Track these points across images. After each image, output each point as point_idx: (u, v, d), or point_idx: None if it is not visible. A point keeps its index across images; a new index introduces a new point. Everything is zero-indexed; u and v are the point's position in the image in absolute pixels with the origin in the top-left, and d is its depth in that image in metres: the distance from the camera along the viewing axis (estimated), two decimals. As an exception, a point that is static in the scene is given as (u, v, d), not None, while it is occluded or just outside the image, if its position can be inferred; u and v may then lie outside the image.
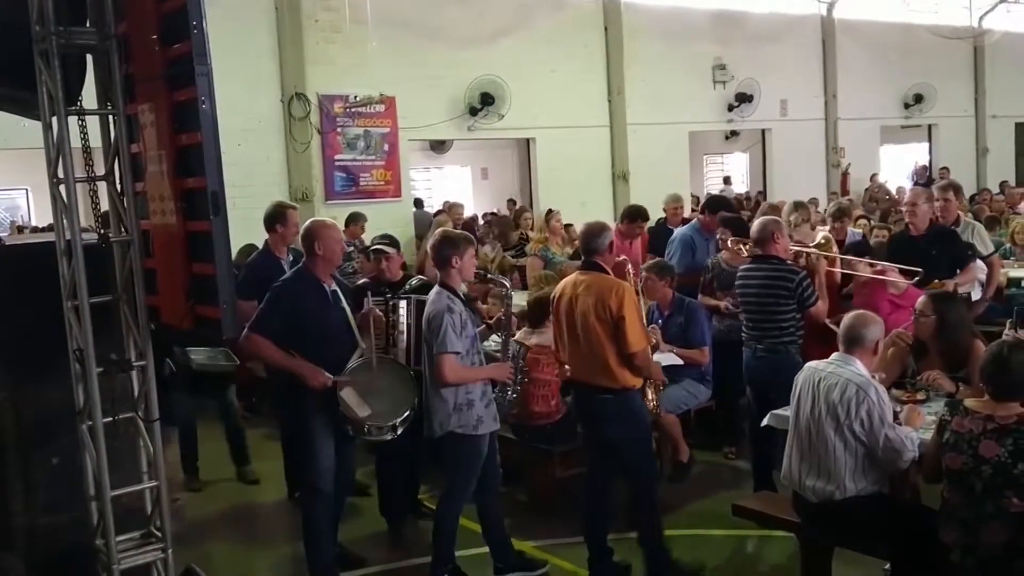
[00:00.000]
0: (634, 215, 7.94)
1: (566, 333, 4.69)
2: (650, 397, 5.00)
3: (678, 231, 7.67)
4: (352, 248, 9.50)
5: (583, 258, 4.77)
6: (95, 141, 3.90)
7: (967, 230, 6.44)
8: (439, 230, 5.43)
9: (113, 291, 3.83)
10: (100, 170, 3.80)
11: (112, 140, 3.79)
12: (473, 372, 4.55)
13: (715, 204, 7.54)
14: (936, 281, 5.68)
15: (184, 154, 3.61)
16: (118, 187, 3.83)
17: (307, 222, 4.89)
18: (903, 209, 6.82)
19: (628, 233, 7.80)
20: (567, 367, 4.95)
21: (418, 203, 15.55)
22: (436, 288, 4.62)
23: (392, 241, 6.21)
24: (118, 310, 3.83)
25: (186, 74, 3.46)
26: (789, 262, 5.47)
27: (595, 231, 4.73)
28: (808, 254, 5.83)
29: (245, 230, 9.71)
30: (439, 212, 11.94)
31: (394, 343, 5.09)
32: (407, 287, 5.53)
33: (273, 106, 11.02)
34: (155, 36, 3.59)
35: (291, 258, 5.83)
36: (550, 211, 9.71)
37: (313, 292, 4.66)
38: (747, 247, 5.97)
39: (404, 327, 5.08)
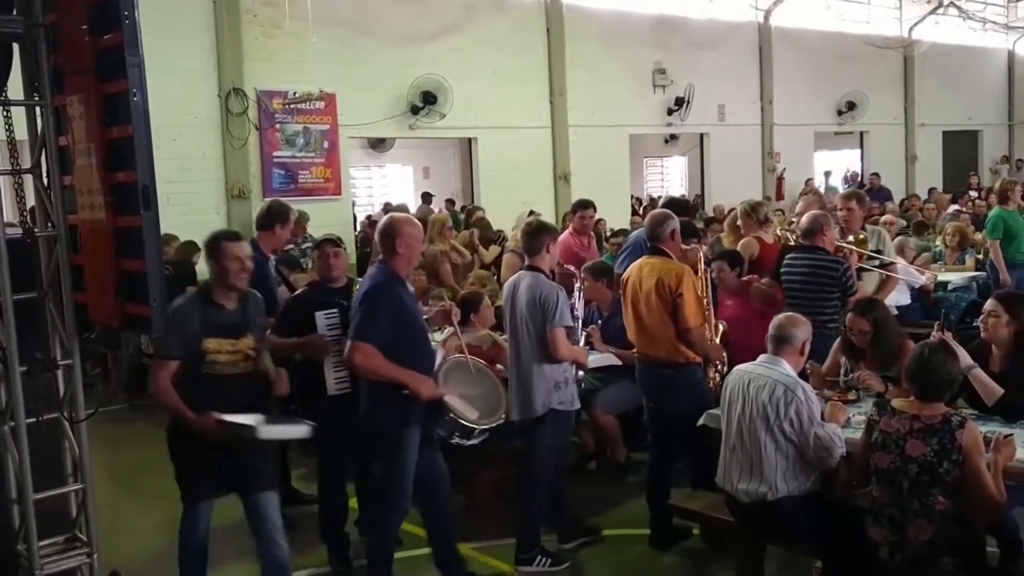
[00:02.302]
0: (584, 204, 7.85)
1: (631, 312, 5.16)
2: (711, 375, 5.30)
3: (633, 234, 7.65)
4: (292, 247, 9.37)
5: (648, 244, 5.25)
6: (21, 133, 3.79)
7: (873, 237, 6.45)
8: (532, 218, 5.55)
9: (39, 288, 3.71)
10: (26, 163, 3.68)
11: (39, 132, 3.68)
12: (576, 351, 4.91)
13: (672, 207, 7.46)
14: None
15: (114, 147, 3.51)
16: (44, 180, 3.72)
17: (386, 218, 4.51)
18: (794, 220, 6.74)
19: (581, 228, 7.69)
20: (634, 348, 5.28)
21: (426, 197, 15.43)
22: (529, 273, 4.82)
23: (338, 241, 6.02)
24: (44, 307, 3.71)
25: (117, 66, 3.38)
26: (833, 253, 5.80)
27: (658, 220, 5.24)
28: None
29: (182, 226, 9.60)
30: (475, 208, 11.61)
31: None
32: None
33: (210, 101, 10.81)
34: (85, 26, 3.49)
35: (274, 260, 5.69)
36: (530, 213, 9.48)
37: (406, 292, 4.39)
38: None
39: None
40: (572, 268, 5.70)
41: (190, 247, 9.26)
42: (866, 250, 6.30)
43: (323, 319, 4.73)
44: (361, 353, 4.12)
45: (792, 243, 6.19)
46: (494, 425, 4.62)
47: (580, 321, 5.35)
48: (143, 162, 3.38)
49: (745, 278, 6.18)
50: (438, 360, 4.71)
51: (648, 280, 5.05)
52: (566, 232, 7.75)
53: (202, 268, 9.28)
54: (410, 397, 4.20)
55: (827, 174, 19.36)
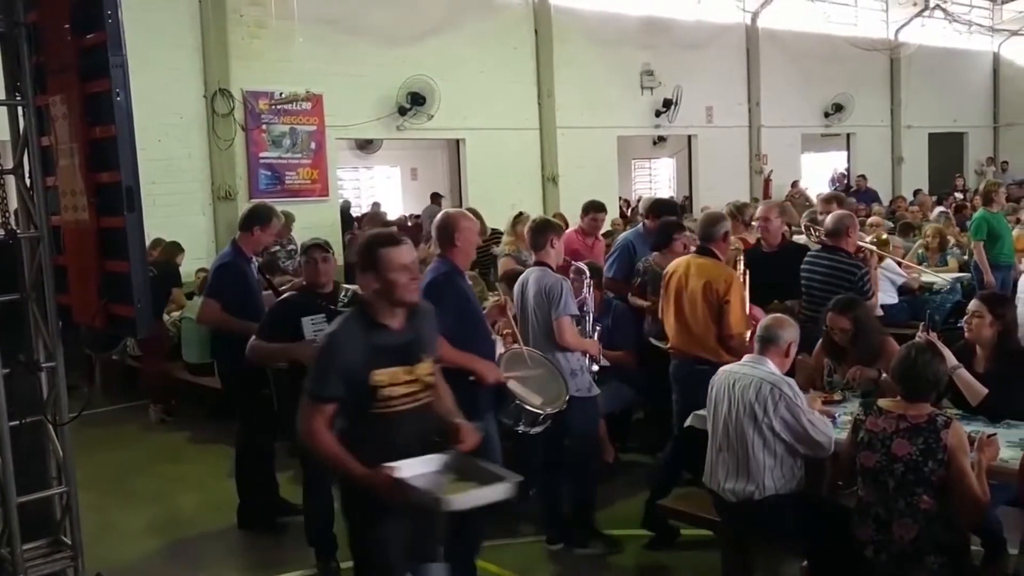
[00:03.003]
0: (597, 207, 7.71)
1: (672, 306, 5.30)
2: None
3: (621, 236, 7.61)
4: (278, 248, 9.34)
5: (699, 243, 5.36)
6: (3, 134, 3.76)
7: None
8: (536, 216, 5.65)
9: (21, 289, 3.69)
10: (8, 163, 3.66)
11: (21, 132, 3.65)
12: (584, 341, 5.01)
13: (658, 208, 7.33)
14: (776, 302, 5.65)
15: (97, 148, 3.49)
16: (27, 181, 3.69)
17: (443, 213, 4.54)
18: (755, 224, 6.60)
19: (590, 229, 7.60)
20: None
21: (435, 198, 15.38)
22: (536, 268, 5.00)
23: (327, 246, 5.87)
24: (27, 309, 3.69)
25: (100, 65, 3.36)
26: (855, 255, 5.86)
27: (712, 220, 5.40)
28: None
29: (167, 227, 9.57)
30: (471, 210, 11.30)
31: None
32: (343, 300, 5.12)
33: (196, 101, 10.75)
34: (67, 25, 3.47)
35: (256, 263, 5.65)
36: (519, 215, 9.31)
37: (466, 284, 4.49)
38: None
39: None
40: (583, 265, 5.69)
41: (175, 248, 9.23)
42: (888, 252, 6.32)
43: (310, 324, 4.67)
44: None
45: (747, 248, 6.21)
46: (558, 410, 4.65)
47: (591, 316, 5.37)
48: (127, 163, 3.36)
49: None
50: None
51: (696, 280, 5.18)
52: (571, 230, 7.68)
53: (187, 270, 9.33)
54: (476, 385, 4.25)
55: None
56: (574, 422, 4.88)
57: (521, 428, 4.54)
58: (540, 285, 4.92)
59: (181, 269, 9.30)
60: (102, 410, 8.21)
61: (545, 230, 5.11)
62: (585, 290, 5.35)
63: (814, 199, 16.49)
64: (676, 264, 5.46)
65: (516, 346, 4.85)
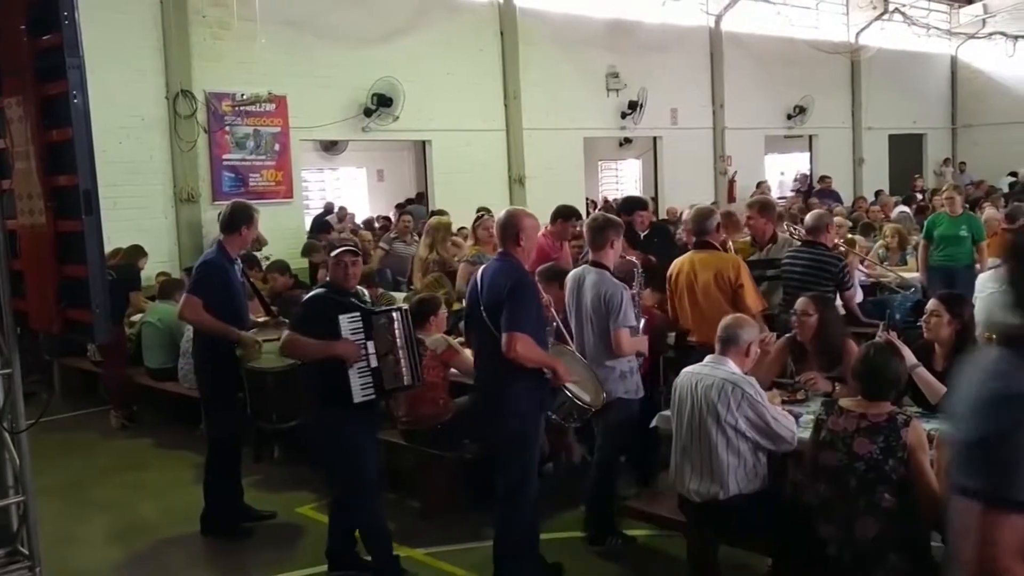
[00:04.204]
0: (568, 214, 7.53)
1: (686, 302, 5.54)
2: None
3: None
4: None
5: (695, 239, 5.56)
6: (-44, 135, 3.68)
7: (784, 247, 6.49)
8: (597, 213, 5.57)
9: (-25, 295, 3.61)
10: (-39, 166, 3.59)
11: (-25, 134, 3.58)
12: (637, 343, 5.00)
13: (630, 205, 7.47)
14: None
15: (55, 150, 3.43)
16: (-19, 184, 3.62)
17: (506, 212, 4.53)
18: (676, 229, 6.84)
19: (560, 234, 7.46)
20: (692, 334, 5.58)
21: (420, 198, 15.25)
22: (593, 269, 4.94)
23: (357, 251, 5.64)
24: (-19, 315, 3.61)
25: (57, 67, 3.30)
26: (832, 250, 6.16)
27: (704, 215, 5.60)
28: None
29: (129, 230, 9.44)
30: (436, 212, 11.05)
31: (396, 359, 4.59)
32: (369, 302, 5.10)
33: (157, 103, 10.60)
34: (23, 26, 3.41)
35: (240, 265, 5.57)
36: (479, 217, 8.97)
37: (534, 284, 4.57)
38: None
39: (402, 341, 4.62)
40: (634, 259, 5.71)
41: (137, 251, 9.09)
42: (855, 251, 6.50)
43: (347, 323, 4.51)
44: (523, 343, 4.18)
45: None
46: (599, 407, 4.76)
47: (638, 311, 5.30)
48: (84, 166, 3.31)
49: None
50: None
51: (705, 274, 5.44)
52: (541, 233, 7.60)
53: (148, 274, 9.20)
54: (545, 383, 4.38)
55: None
56: (613, 423, 4.94)
57: (571, 423, 4.74)
58: (599, 291, 4.85)
59: (143, 273, 9.17)
60: (62, 416, 8.07)
61: (605, 228, 4.99)
62: (636, 285, 5.32)
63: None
64: (680, 263, 5.67)
65: (557, 344, 4.96)
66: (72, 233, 3.41)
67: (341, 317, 4.51)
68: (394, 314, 4.67)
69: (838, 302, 5.90)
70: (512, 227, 4.37)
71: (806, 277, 5.94)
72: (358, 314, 4.56)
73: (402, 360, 4.61)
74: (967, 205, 10.55)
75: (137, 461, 7.07)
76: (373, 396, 4.56)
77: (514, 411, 4.37)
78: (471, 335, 4.71)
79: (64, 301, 3.49)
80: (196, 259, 6.04)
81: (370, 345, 4.51)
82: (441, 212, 10.34)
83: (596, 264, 4.95)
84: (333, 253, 4.77)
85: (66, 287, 3.48)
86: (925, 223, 9.22)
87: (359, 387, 4.50)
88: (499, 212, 4.77)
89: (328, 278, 4.90)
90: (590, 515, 5.12)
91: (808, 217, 6.54)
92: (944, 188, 10.37)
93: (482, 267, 4.71)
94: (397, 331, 4.60)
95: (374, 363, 4.53)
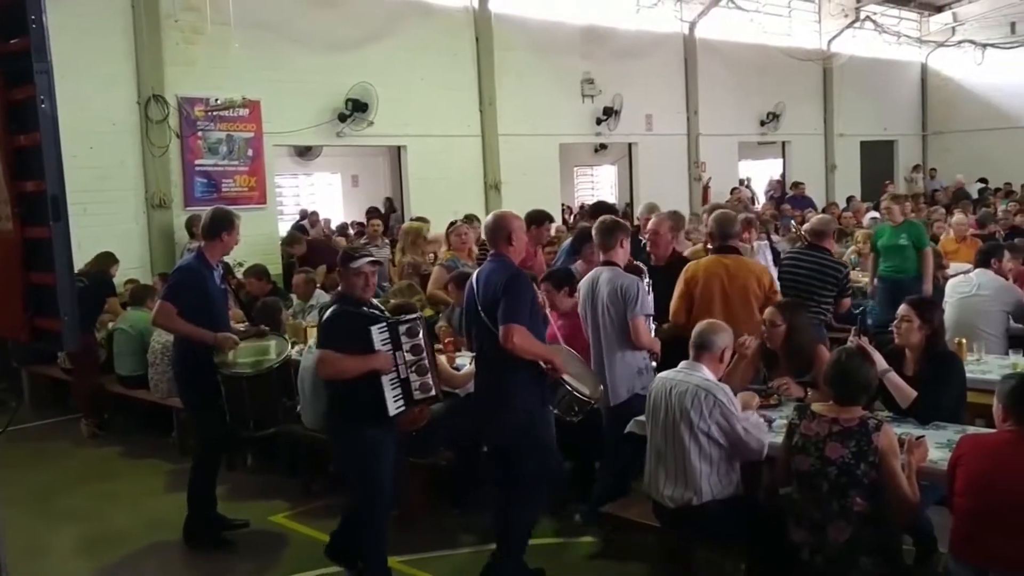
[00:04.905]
0: (540, 219, 7.51)
1: (717, 305, 5.49)
2: None
3: (566, 242, 7.60)
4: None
5: (719, 243, 5.65)
6: (-80, 140, 3.61)
7: (753, 254, 6.62)
8: (604, 216, 5.65)
9: (-60, 303, 3.54)
10: (-74, 172, 3.52)
11: (-60, 140, 3.51)
12: (654, 340, 5.19)
13: (599, 210, 7.46)
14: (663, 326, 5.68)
15: (22, 156, 3.37)
16: (-54, 190, 3.55)
17: (493, 216, 4.69)
18: (644, 237, 6.52)
19: (535, 239, 7.39)
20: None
21: (389, 204, 15.20)
22: (606, 267, 5.17)
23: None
24: (-54, 323, 3.55)
25: (24, 71, 3.24)
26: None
27: (729, 220, 5.71)
28: None
29: (100, 236, 9.33)
30: (417, 219, 10.98)
31: (422, 369, 4.46)
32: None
33: (129, 108, 10.48)
34: (-12, 30, 3.35)
35: (221, 270, 5.51)
36: (453, 223, 8.84)
37: (529, 279, 4.63)
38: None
39: (427, 350, 4.52)
40: (640, 264, 5.76)
41: (108, 258, 8.98)
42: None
43: (378, 334, 4.36)
44: (519, 334, 4.27)
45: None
46: (597, 401, 4.87)
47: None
48: (52, 171, 3.24)
49: None
50: None
51: (734, 279, 5.53)
52: None
53: (117, 280, 9.10)
54: (544, 377, 4.48)
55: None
56: (631, 419, 4.91)
57: (571, 418, 4.76)
58: (614, 284, 5.09)
59: (115, 279, 9.06)
60: (31, 425, 7.97)
61: (614, 230, 5.26)
62: (647, 286, 5.42)
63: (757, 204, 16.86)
64: (703, 266, 5.64)
65: (557, 344, 5.02)
66: (40, 240, 3.35)
67: (372, 328, 4.37)
68: (418, 323, 4.52)
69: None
70: (502, 228, 4.54)
71: (811, 281, 6.05)
72: (384, 324, 4.43)
73: (429, 370, 4.48)
74: (922, 210, 10.60)
75: (108, 470, 6.98)
76: (404, 408, 4.46)
77: (519, 407, 4.47)
78: (471, 338, 4.77)
79: (31, 309, 3.43)
80: (168, 265, 6.00)
81: (398, 356, 4.39)
82: (422, 219, 10.30)
83: (607, 263, 5.22)
84: (354, 264, 4.50)
85: (34, 295, 3.42)
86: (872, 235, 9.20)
87: (392, 399, 4.39)
88: (486, 218, 4.88)
89: (340, 289, 4.71)
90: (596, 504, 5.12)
91: (814, 221, 6.66)
92: (883, 198, 10.17)
93: (476, 271, 4.81)
94: (423, 340, 4.46)
95: (403, 374, 4.41)
